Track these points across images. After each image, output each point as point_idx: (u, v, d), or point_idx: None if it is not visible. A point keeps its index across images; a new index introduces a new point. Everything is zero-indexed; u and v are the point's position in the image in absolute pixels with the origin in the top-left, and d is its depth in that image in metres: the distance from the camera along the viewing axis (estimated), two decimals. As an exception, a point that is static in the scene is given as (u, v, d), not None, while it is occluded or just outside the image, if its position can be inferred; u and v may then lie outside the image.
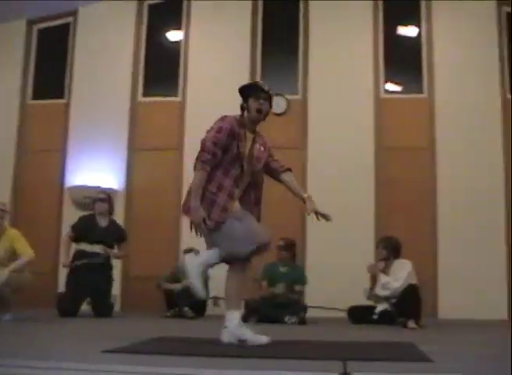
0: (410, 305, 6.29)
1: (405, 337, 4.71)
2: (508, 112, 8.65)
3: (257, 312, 6.85)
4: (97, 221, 7.34)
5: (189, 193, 4.08)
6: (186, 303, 7.15)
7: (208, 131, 4.13)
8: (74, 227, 7.30)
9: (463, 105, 8.70)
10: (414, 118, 8.86)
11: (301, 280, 7.32)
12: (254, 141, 4.26)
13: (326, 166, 8.67)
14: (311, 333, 5.61)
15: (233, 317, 3.97)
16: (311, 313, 7.22)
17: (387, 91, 9.06)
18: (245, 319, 6.76)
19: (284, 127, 8.75)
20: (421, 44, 9.11)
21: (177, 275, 7.38)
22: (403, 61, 9.20)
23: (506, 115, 8.68)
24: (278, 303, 6.90)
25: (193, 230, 4.06)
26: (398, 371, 2.84)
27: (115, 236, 7.36)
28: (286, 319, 6.73)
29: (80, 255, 7.19)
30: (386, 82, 9.08)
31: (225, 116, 4.20)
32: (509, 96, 8.82)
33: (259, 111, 4.18)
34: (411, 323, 6.11)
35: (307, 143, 8.86)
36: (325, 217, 4.34)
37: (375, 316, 6.65)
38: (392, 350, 3.77)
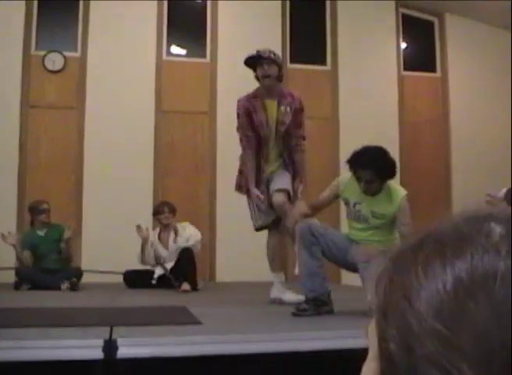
0: (184, 267, 6.33)
1: (180, 301, 4.73)
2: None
3: (29, 280, 6.56)
4: None
5: (239, 172, 4.74)
6: None
7: None
8: None
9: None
10: (195, 82, 8.81)
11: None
12: (279, 105, 4.53)
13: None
14: (83, 299, 5.45)
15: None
16: (87, 279, 7.00)
17: (170, 54, 8.91)
18: (17, 286, 6.49)
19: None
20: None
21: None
22: (186, 25, 9.11)
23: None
24: (49, 268, 6.62)
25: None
26: (165, 334, 2.82)
27: None
28: (61, 284, 6.47)
29: None
30: (170, 44, 8.92)
31: (238, 100, 4.63)
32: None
33: (265, 77, 4.52)
34: (186, 285, 6.15)
35: (84, 103, 8.44)
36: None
37: (153, 281, 6.62)
38: (163, 314, 3.75)
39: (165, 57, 8.75)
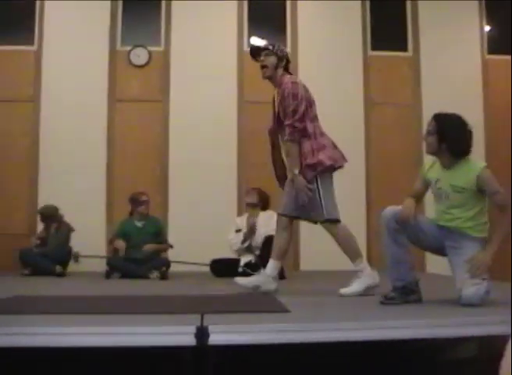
0: (270, 255, 6.31)
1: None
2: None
3: (119, 269, 6.77)
4: None
5: None
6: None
7: None
8: None
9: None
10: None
11: (160, 234, 7.18)
12: (278, 94, 4.56)
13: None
14: (172, 287, 5.58)
15: None
16: (174, 268, 7.16)
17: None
18: (107, 275, 6.71)
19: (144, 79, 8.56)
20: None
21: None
22: (267, 16, 9.11)
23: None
24: (139, 258, 6.79)
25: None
26: (254, 322, 2.86)
27: None
28: (150, 274, 6.63)
29: None
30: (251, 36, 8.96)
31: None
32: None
33: (262, 67, 4.62)
34: None
35: (169, 96, 8.62)
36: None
37: (240, 269, 6.68)
38: (251, 302, 3.80)
39: (246, 48, 8.81)
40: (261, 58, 4.62)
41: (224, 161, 8.42)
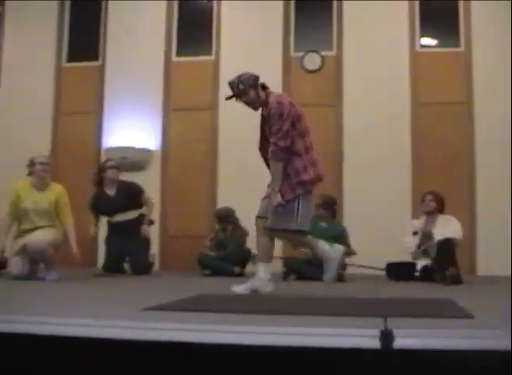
0: (445, 259, 6.16)
1: (444, 294, 4.69)
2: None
3: (296, 271, 6.89)
4: (106, 194, 7.37)
5: None
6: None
7: None
8: (92, 209, 7.40)
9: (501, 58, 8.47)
10: (451, 72, 8.66)
11: (342, 238, 7.02)
12: (266, 113, 4.59)
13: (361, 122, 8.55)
14: (350, 290, 5.61)
15: None
16: (348, 270, 7.20)
17: (423, 46, 8.85)
18: (285, 277, 6.88)
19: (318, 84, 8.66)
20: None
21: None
22: (438, 15, 8.96)
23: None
24: (315, 260, 6.88)
25: None
26: (439, 327, 2.83)
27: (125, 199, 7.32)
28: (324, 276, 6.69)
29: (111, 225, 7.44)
30: (422, 36, 8.87)
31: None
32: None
33: (248, 105, 4.70)
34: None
35: (342, 100, 8.71)
36: None
37: (416, 273, 6.59)
38: (432, 306, 3.76)
39: (418, 49, 8.72)
40: (242, 100, 4.66)
41: (398, 161, 8.35)
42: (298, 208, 4.54)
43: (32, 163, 6.16)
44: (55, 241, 6.09)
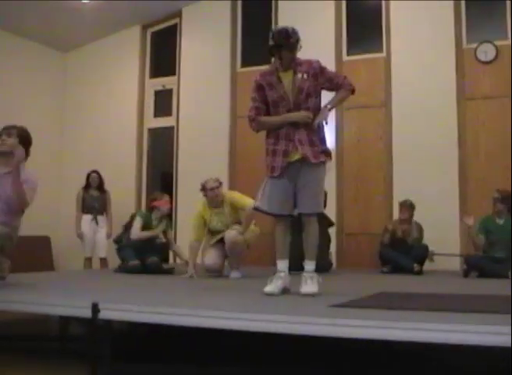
0: None
1: None
2: None
3: (478, 268, 6.78)
4: None
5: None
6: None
7: None
8: None
9: None
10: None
11: None
12: (294, 73, 4.34)
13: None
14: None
15: None
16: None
17: None
18: (465, 274, 6.75)
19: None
20: None
21: None
22: None
23: None
24: (499, 258, 6.70)
25: None
26: None
27: None
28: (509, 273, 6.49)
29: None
30: None
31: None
32: None
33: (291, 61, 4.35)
34: None
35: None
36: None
37: None
38: None
39: None
40: (282, 54, 4.29)
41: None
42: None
43: (203, 188, 6.57)
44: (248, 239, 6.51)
